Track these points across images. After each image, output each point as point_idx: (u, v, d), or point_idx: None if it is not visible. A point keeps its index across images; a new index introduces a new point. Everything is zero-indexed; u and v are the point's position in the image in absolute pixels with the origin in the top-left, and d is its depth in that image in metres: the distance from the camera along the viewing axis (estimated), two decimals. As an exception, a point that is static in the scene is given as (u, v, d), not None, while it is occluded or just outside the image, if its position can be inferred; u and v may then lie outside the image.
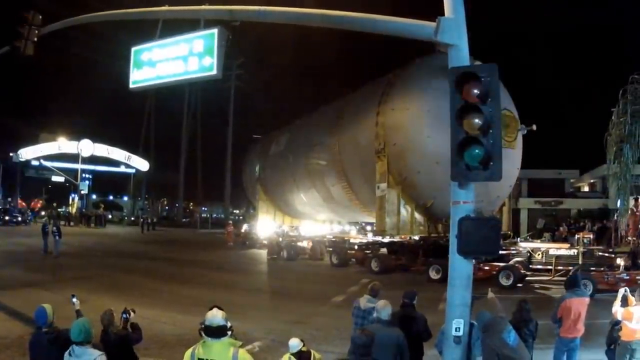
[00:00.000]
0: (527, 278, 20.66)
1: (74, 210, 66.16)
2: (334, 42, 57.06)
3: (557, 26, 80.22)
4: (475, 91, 6.19)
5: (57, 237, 27.71)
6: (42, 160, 64.90)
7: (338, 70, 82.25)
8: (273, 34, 43.52)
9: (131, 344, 7.13)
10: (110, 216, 71.07)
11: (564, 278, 14.61)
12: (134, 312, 7.28)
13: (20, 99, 74.40)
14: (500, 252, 21.49)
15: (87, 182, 70.97)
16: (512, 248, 22.44)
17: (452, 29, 6.81)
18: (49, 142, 63.34)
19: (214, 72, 9.66)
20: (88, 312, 7.84)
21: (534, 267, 21.43)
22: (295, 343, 6.32)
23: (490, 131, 6.18)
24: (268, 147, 38.43)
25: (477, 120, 6.17)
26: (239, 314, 12.77)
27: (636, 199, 25.22)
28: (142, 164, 70.76)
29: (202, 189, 75.57)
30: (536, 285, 20.20)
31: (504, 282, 19.54)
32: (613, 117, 23.59)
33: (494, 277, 19.69)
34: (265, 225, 38.58)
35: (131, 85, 11.12)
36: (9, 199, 76.44)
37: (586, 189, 52.76)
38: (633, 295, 8.73)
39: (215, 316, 5.25)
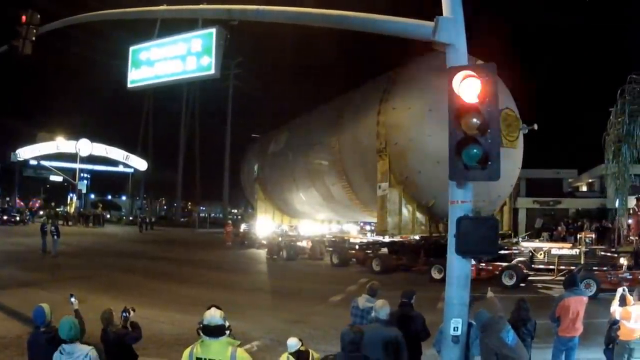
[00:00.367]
0: (530, 278, 20.65)
1: (72, 210, 66.08)
2: (333, 41, 56.90)
3: (555, 26, 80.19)
4: (474, 91, 6.19)
5: (55, 237, 27.70)
6: (40, 160, 64.88)
7: (337, 69, 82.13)
8: (271, 33, 43.46)
9: (131, 343, 7.15)
10: (108, 216, 70.86)
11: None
12: (133, 310, 7.31)
13: (18, 98, 74.14)
14: (503, 251, 21.54)
15: (85, 181, 71.01)
16: (514, 248, 22.44)
17: (450, 29, 6.81)
18: (47, 141, 63.30)
19: (212, 71, 9.66)
20: (86, 311, 7.85)
21: (536, 266, 21.42)
22: (293, 342, 6.33)
23: (489, 131, 6.18)
24: (267, 146, 38.30)
25: (475, 120, 6.16)
26: (237, 314, 12.76)
27: (638, 199, 25.25)
28: (140, 164, 70.73)
29: (201, 188, 75.61)
30: (539, 285, 20.17)
31: (507, 282, 19.52)
32: (611, 117, 23.60)
33: (497, 277, 19.69)
34: (264, 224, 38.53)
35: (129, 85, 11.11)
36: (7, 199, 76.39)
37: (584, 188, 52.78)
38: (631, 295, 8.75)
39: (214, 315, 5.26)
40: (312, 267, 27.17)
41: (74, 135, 63.85)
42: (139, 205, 77.62)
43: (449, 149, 6.36)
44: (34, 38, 14.34)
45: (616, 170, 24.03)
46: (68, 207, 70.25)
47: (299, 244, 31.77)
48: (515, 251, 22.04)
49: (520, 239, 25.06)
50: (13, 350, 10.27)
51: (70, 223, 57.15)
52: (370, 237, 30.31)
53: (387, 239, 25.61)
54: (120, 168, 74.08)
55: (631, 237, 23.33)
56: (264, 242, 35.34)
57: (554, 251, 21.25)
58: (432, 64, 20.82)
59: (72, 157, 63.81)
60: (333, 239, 32.01)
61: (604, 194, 42.66)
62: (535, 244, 23.63)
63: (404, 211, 22.56)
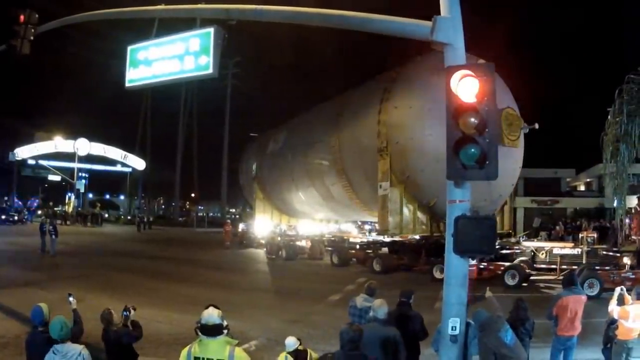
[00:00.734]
0: (532, 277, 20.66)
1: (70, 209, 66.07)
2: (331, 40, 57.06)
3: (554, 26, 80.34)
4: (472, 90, 6.19)
5: (53, 236, 27.68)
6: (38, 159, 64.84)
7: (336, 69, 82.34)
8: (270, 33, 43.46)
9: (131, 342, 7.17)
10: (106, 215, 70.87)
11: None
12: (134, 309, 7.34)
13: (16, 97, 74.23)
14: (504, 251, 21.54)
15: (83, 181, 70.91)
16: (515, 247, 22.43)
17: (448, 28, 6.80)
18: (45, 141, 63.33)
19: (210, 71, 9.64)
20: (85, 311, 7.86)
21: (538, 266, 21.40)
22: (291, 342, 6.34)
23: (486, 130, 6.18)
24: (265, 145, 38.15)
25: (473, 120, 6.16)
26: (236, 313, 12.79)
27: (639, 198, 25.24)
28: (138, 163, 70.75)
29: (199, 187, 75.61)
30: (541, 285, 20.13)
31: (510, 281, 19.52)
32: (609, 117, 23.56)
33: (499, 276, 19.69)
34: (263, 224, 38.47)
35: (127, 84, 11.09)
36: (6, 198, 76.31)
37: (582, 188, 52.87)
38: (629, 294, 8.77)
39: (211, 315, 5.27)
40: (312, 267, 27.11)
41: (72, 134, 63.91)
42: (137, 205, 77.60)
43: (447, 148, 6.36)
44: (32, 37, 14.31)
45: (614, 169, 23.97)
46: (66, 207, 70.26)
47: (298, 243, 31.63)
48: (517, 251, 22.03)
49: (521, 239, 25.07)
50: (11, 350, 10.28)
51: (68, 222, 57.16)
52: (370, 237, 30.29)
53: (387, 239, 25.58)
54: (119, 167, 74.07)
55: (633, 237, 23.33)
56: (263, 241, 35.31)
57: (555, 251, 21.21)
58: (434, 63, 20.71)
59: (70, 157, 63.85)
60: (332, 239, 31.95)
61: (602, 193, 42.73)
62: (537, 243, 23.63)
63: (405, 210, 22.49)
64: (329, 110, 29.53)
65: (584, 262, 19.90)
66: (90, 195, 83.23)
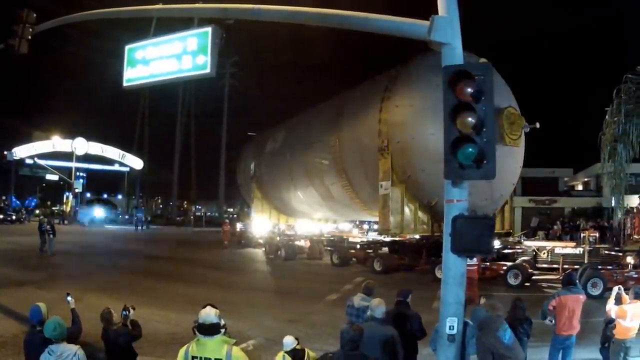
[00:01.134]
0: (534, 277, 20.65)
1: (68, 209, 66.02)
2: (330, 39, 57.01)
3: (551, 25, 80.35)
4: (469, 90, 6.19)
5: (51, 236, 27.66)
6: (36, 159, 64.79)
7: (334, 68, 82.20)
8: (268, 32, 43.48)
9: (131, 341, 7.19)
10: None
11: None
12: (133, 309, 7.37)
13: (14, 97, 74.12)
14: (506, 250, 21.54)
15: (81, 180, 70.91)
16: (517, 247, 22.43)
17: (446, 28, 6.81)
18: (43, 140, 63.19)
19: (208, 70, 9.65)
20: (83, 310, 7.87)
21: (540, 265, 21.40)
22: (289, 341, 6.35)
23: (484, 130, 6.18)
24: (264, 144, 37.94)
25: (470, 119, 6.16)
26: (234, 313, 12.79)
27: None
28: (136, 163, 70.68)
29: (196, 187, 75.66)
30: (544, 285, 20.07)
31: (512, 281, 19.49)
32: (607, 116, 23.56)
33: (502, 276, 19.71)
34: (261, 223, 38.41)
35: (125, 84, 11.10)
36: (4, 198, 76.25)
37: (580, 187, 52.98)
38: (627, 294, 8.79)
39: (209, 314, 5.29)
40: (311, 267, 27.07)
41: (70, 134, 63.80)
42: (135, 204, 77.55)
43: (444, 147, 6.37)
44: (30, 37, 14.31)
45: (612, 169, 24.00)
46: (64, 206, 70.21)
47: (297, 243, 31.62)
48: (518, 250, 22.04)
49: (521, 239, 25.09)
50: (10, 349, 10.28)
51: (66, 222, 57.12)
52: (369, 236, 30.22)
53: (387, 239, 25.51)
54: (116, 167, 73.99)
55: (635, 236, 23.37)
56: (261, 241, 35.29)
57: (557, 250, 21.26)
58: (435, 61, 20.62)
59: (68, 156, 63.77)
60: (332, 238, 31.89)
61: (599, 193, 42.82)
62: (539, 242, 23.66)
63: (406, 210, 22.34)
64: (328, 109, 29.33)
65: (585, 261, 19.93)
66: (88, 195, 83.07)
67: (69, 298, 7.73)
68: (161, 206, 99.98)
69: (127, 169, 72.76)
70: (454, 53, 6.81)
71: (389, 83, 23.15)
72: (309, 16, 8.62)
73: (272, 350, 9.18)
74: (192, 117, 72.61)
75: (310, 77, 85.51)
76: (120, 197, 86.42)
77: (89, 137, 64.42)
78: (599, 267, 18.91)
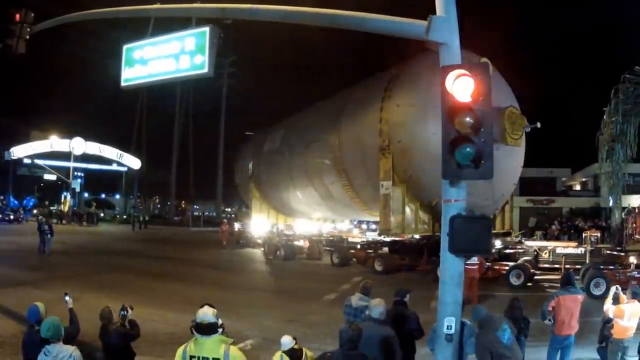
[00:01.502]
0: (536, 277, 20.57)
1: (66, 209, 65.95)
2: (329, 39, 56.99)
3: (550, 26, 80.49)
4: (467, 89, 6.21)
5: (49, 236, 27.63)
6: (34, 159, 64.72)
7: (332, 68, 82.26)
8: (266, 32, 43.37)
9: (129, 341, 7.19)
10: (102, 214, 70.71)
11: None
12: (131, 309, 7.38)
13: (12, 96, 74.08)
14: (508, 250, 21.51)
15: (79, 180, 70.85)
16: (518, 247, 22.42)
17: (444, 28, 6.83)
18: (41, 140, 63.07)
19: (206, 70, 9.66)
20: (81, 310, 7.85)
21: (542, 265, 21.36)
22: (287, 341, 6.35)
23: (482, 130, 6.19)
24: (262, 144, 37.70)
25: (468, 119, 6.18)
26: (232, 313, 12.81)
27: None
28: (134, 162, 70.61)
29: (194, 187, 75.53)
30: (546, 285, 19.95)
31: (514, 281, 19.34)
32: (605, 116, 23.63)
33: (504, 276, 19.67)
34: (259, 223, 38.32)
35: (123, 83, 11.11)
36: (1, 197, 76.17)
37: (578, 187, 53.03)
38: (624, 293, 8.80)
39: (206, 314, 5.29)
40: (311, 267, 26.98)
41: (68, 133, 63.72)
42: (132, 204, 77.46)
43: (442, 147, 6.39)
44: (28, 37, 14.30)
45: (610, 169, 24.07)
46: (62, 206, 70.15)
47: (296, 243, 31.49)
48: (520, 250, 22.02)
49: (522, 239, 25.07)
50: (8, 349, 10.27)
51: (64, 222, 57.05)
52: (369, 236, 30.15)
53: (388, 239, 25.44)
54: (114, 167, 73.98)
55: (637, 236, 23.37)
56: (260, 241, 35.21)
57: (559, 250, 21.18)
58: (436, 60, 20.51)
59: (65, 156, 63.74)
60: (331, 239, 31.81)
61: (597, 193, 42.85)
62: (540, 242, 23.63)
63: (407, 210, 22.24)
64: (328, 109, 29.12)
65: (587, 261, 19.92)
66: (86, 195, 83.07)
67: (67, 298, 7.72)
68: (159, 206, 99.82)
69: (125, 168, 72.73)
70: (452, 53, 6.84)
71: (390, 82, 22.98)
72: (307, 16, 8.62)
73: (270, 349, 9.16)
74: (190, 116, 72.49)
75: (308, 77, 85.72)
76: (118, 196, 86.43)
77: (87, 136, 64.40)
78: (602, 267, 18.88)
